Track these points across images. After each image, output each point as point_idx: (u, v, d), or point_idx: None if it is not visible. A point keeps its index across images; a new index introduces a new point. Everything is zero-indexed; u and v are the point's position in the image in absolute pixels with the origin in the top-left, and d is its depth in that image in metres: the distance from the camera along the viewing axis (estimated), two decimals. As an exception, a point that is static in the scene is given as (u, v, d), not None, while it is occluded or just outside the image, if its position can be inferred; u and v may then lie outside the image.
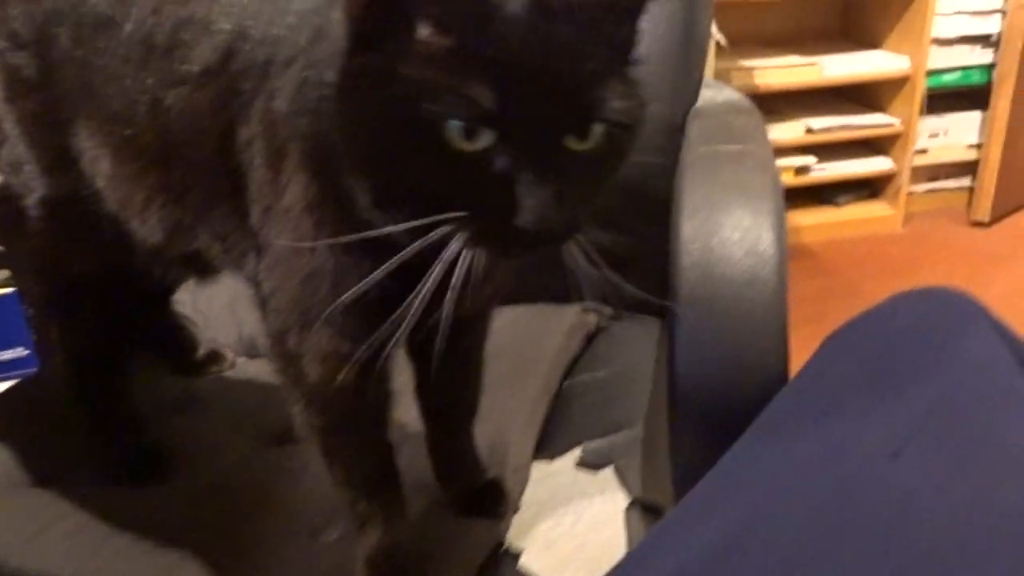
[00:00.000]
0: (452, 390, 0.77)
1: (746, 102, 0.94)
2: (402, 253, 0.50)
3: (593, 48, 0.48)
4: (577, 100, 0.47)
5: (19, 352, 1.69)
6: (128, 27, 0.67)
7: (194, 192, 0.67)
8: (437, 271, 0.49)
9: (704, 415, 0.68)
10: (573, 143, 0.48)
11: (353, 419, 0.66)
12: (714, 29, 1.80)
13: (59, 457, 0.86)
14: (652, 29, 0.96)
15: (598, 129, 0.49)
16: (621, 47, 0.51)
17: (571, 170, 0.48)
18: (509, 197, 0.46)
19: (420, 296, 0.50)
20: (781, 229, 0.70)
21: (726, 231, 0.70)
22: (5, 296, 1.64)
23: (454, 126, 0.46)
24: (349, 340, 0.59)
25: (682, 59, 0.96)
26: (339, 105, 0.51)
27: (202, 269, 0.78)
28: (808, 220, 2.49)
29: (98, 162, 0.72)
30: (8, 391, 0.98)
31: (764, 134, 0.84)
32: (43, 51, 0.73)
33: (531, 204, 0.46)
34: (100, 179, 0.73)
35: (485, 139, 0.46)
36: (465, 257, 0.49)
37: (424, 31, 0.47)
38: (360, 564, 0.70)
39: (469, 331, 0.74)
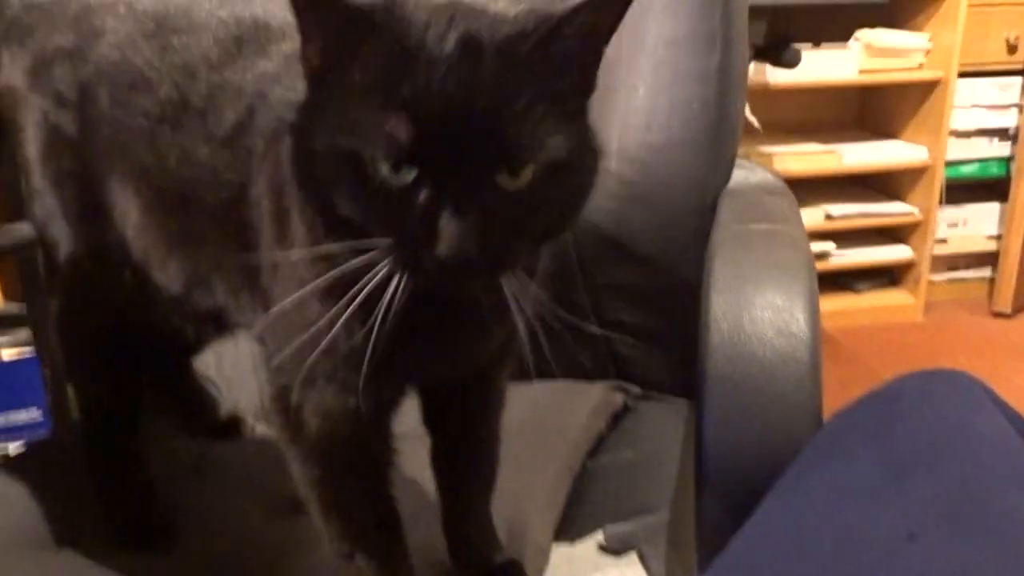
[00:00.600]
0: (467, 461, 0.76)
1: (779, 183, 0.94)
2: (332, 272, 0.52)
3: (522, 88, 0.49)
4: (497, 138, 0.49)
5: (33, 414, 1.68)
6: (164, 89, 0.70)
7: (209, 242, 0.69)
8: (363, 293, 0.50)
9: (733, 498, 0.66)
10: (505, 180, 0.50)
11: (353, 469, 0.66)
12: (747, 112, 1.82)
13: (69, 520, 0.84)
14: (684, 109, 0.98)
15: (529, 167, 0.50)
16: (564, 90, 0.52)
17: (499, 206, 0.50)
18: (431, 228, 0.48)
19: (343, 317, 0.52)
20: (814, 310, 0.68)
21: (757, 309, 0.69)
22: (23, 358, 1.64)
23: (379, 160, 0.48)
24: (351, 394, 0.59)
25: (715, 140, 0.97)
26: (291, 141, 0.53)
27: (220, 325, 0.78)
28: (828, 306, 2.47)
29: (128, 214, 0.74)
30: (22, 453, 0.97)
31: (797, 215, 0.84)
32: (83, 110, 0.75)
33: (448, 234, 0.48)
34: (129, 230, 0.75)
35: (408, 173, 0.48)
36: (394, 283, 0.50)
37: (356, 72, 0.49)
38: None
39: (479, 400, 0.73)
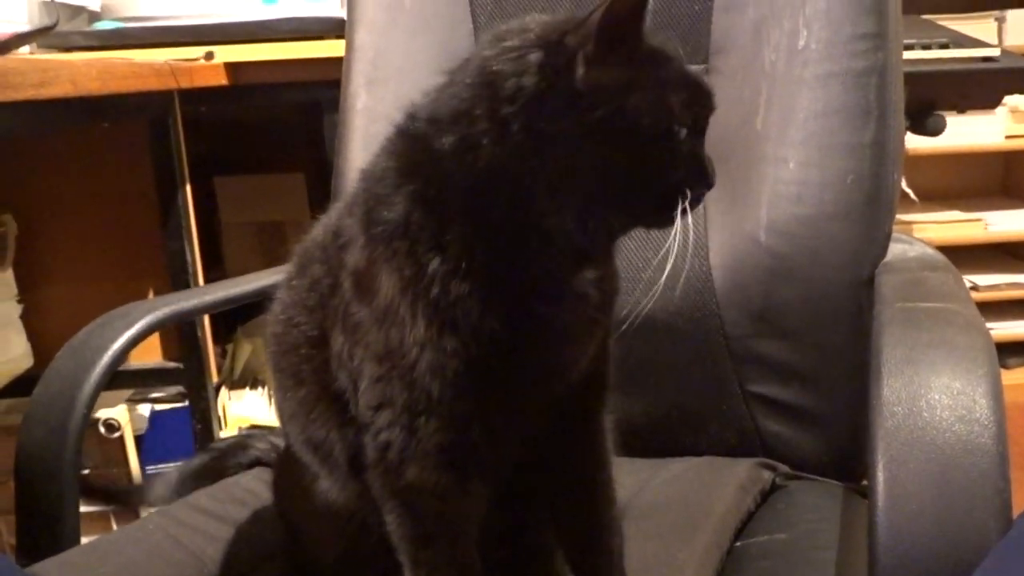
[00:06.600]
0: (587, 522, 0.75)
1: (941, 258, 0.91)
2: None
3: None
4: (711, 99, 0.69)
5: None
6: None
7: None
8: (680, 229, 0.64)
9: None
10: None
11: (443, 526, 0.68)
12: (903, 183, 1.77)
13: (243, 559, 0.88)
14: (837, 182, 0.97)
15: None
16: None
17: None
18: (701, 164, 0.66)
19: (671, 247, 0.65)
20: (998, 395, 0.65)
21: (934, 394, 0.66)
22: (176, 410, 1.74)
23: (679, 129, 0.64)
24: (451, 435, 0.64)
25: (869, 213, 0.95)
26: (573, 154, 0.63)
27: None
28: (973, 381, 2.33)
29: None
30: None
31: (966, 292, 0.80)
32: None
33: (712, 165, 0.67)
34: None
35: (684, 133, 0.65)
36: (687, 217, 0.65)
37: (653, 77, 0.65)
38: None
39: (584, 446, 0.74)
